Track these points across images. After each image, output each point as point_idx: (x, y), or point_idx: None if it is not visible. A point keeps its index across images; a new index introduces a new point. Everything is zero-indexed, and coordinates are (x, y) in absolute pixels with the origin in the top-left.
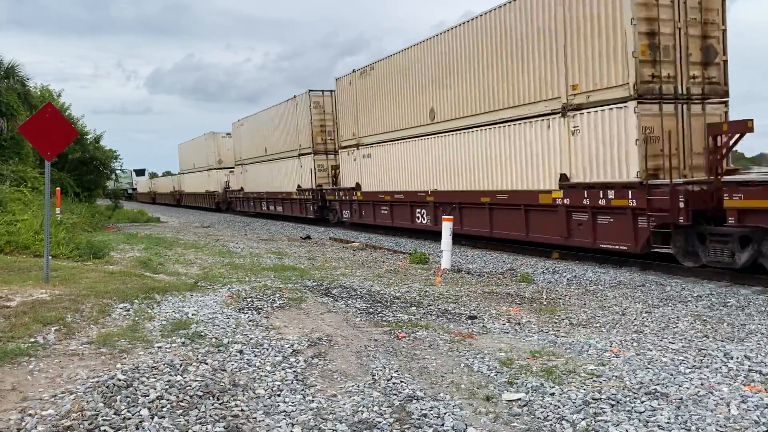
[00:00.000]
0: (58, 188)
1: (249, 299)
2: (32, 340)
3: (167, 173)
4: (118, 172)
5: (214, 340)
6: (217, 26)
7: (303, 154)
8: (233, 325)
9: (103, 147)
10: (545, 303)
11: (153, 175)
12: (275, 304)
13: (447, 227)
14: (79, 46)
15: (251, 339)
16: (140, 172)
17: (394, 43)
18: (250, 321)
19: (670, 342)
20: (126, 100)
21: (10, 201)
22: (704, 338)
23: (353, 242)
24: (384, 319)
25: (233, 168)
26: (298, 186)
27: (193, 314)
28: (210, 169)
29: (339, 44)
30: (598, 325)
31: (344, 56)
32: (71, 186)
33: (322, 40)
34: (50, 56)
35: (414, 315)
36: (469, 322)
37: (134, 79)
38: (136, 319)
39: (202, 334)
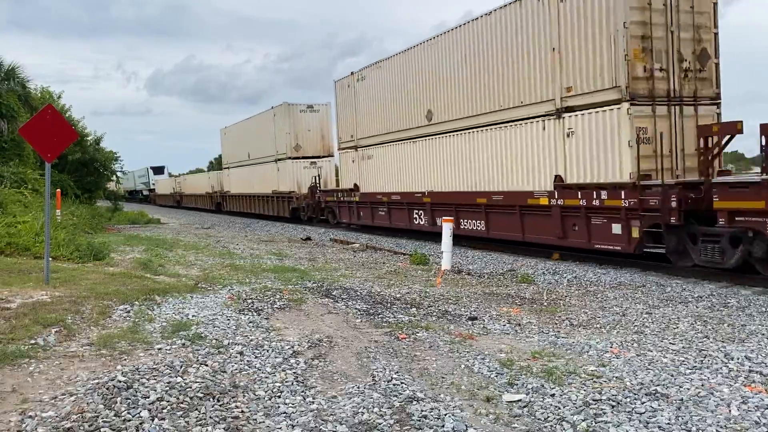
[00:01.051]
0: (58, 190)
1: (249, 300)
2: (32, 341)
3: (166, 174)
4: (136, 170)
5: (214, 341)
6: (217, 27)
7: (583, 109)
8: (233, 327)
9: (103, 148)
10: (546, 304)
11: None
12: (275, 306)
13: (447, 228)
14: (80, 48)
15: (251, 340)
16: (158, 170)
17: (395, 44)
18: (251, 322)
19: (670, 343)
20: (126, 102)
21: (10, 203)
22: (705, 339)
23: (354, 243)
24: (384, 320)
25: (322, 158)
26: (558, 178)
27: (193, 316)
28: (280, 160)
29: (339, 45)
30: (598, 325)
31: (344, 57)
32: (71, 187)
33: (322, 41)
34: (51, 58)
35: (414, 316)
36: (470, 323)
37: (134, 81)
38: (137, 320)
39: (203, 335)
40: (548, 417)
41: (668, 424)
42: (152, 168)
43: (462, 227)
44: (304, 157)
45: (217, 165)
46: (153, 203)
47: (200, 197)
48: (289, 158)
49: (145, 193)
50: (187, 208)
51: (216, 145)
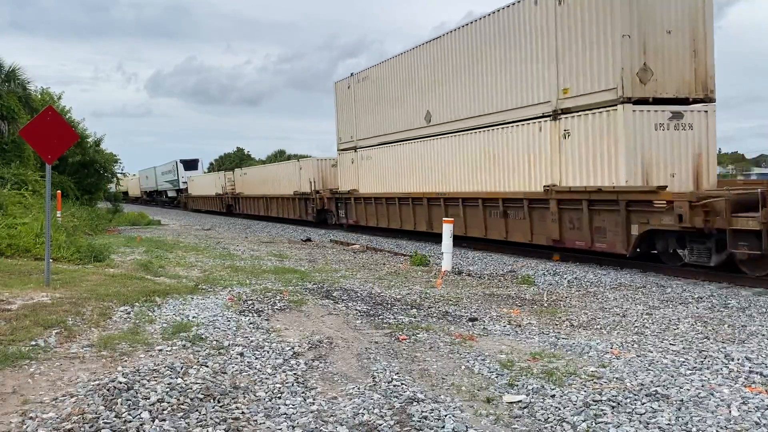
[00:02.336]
0: (58, 191)
1: (250, 302)
2: (33, 343)
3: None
4: (159, 166)
5: (214, 342)
6: (217, 29)
7: None
8: (234, 328)
9: (103, 150)
10: (546, 305)
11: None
12: (276, 307)
13: (447, 229)
14: (80, 50)
15: (252, 341)
16: (191, 165)
17: (396, 45)
18: (251, 323)
19: (670, 343)
20: (127, 103)
21: (11, 204)
22: (705, 340)
23: (354, 244)
24: (385, 321)
25: (694, 103)
26: None
27: (193, 317)
28: (585, 111)
29: (340, 46)
30: (598, 326)
31: (345, 58)
32: (72, 189)
33: (322, 43)
34: (52, 59)
35: (415, 317)
36: (470, 324)
37: (135, 82)
38: (137, 322)
39: (203, 336)
40: (548, 418)
41: (668, 424)
42: (182, 162)
43: None
44: (657, 101)
45: (217, 166)
46: (184, 208)
47: (280, 201)
48: (625, 101)
49: (172, 194)
50: (250, 216)
51: (217, 146)
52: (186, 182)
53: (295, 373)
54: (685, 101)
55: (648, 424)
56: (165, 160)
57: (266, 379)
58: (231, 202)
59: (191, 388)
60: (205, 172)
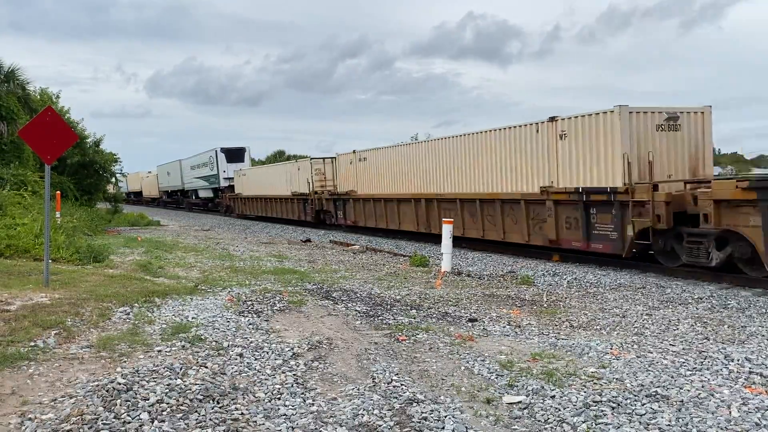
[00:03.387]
0: (58, 192)
1: (249, 302)
2: (32, 344)
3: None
4: (186, 159)
5: (214, 343)
6: (217, 29)
7: None
8: (233, 329)
9: (103, 151)
10: (546, 305)
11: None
12: (275, 308)
13: (447, 230)
14: (80, 50)
15: (251, 342)
16: (235, 155)
17: (395, 45)
18: (250, 324)
19: (670, 344)
20: (126, 104)
21: (10, 205)
22: (705, 340)
23: (353, 245)
24: (384, 322)
25: None
26: None
27: (193, 318)
28: None
29: (340, 47)
30: (598, 327)
31: (345, 59)
32: (71, 190)
33: (322, 43)
34: (51, 60)
35: (414, 318)
36: (470, 324)
37: (134, 82)
38: (137, 322)
39: (203, 337)
40: (548, 419)
41: (668, 425)
42: (223, 151)
43: None
44: None
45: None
46: (226, 212)
47: (510, 209)
48: None
49: (205, 193)
50: (380, 232)
51: (216, 146)
52: (231, 178)
53: (294, 374)
54: None
55: (648, 424)
56: (165, 160)
57: (266, 379)
58: (326, 207)
59: (190, 389)
60: (249, 162)
